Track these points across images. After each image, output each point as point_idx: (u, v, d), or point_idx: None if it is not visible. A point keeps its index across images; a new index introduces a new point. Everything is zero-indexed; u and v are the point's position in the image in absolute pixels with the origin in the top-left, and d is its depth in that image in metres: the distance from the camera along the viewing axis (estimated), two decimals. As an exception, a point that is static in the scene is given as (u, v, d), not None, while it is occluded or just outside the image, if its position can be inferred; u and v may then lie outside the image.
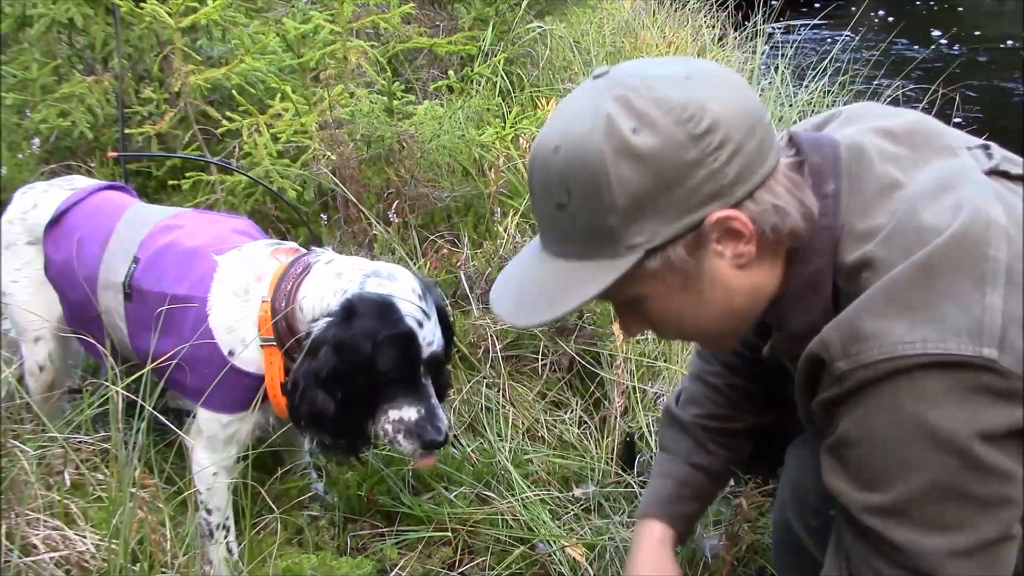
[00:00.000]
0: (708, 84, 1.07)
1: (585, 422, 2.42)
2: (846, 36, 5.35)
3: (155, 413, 1.65)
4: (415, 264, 2.70)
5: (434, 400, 1.66)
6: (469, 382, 2.43)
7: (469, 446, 2.27)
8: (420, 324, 1.62)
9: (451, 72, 3.58)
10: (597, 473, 2.23)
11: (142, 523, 1.64)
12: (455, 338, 2.32)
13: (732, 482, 1.80)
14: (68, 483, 1.74)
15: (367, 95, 3.11)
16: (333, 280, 1.69)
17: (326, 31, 3.03)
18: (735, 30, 5.81)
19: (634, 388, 2.40)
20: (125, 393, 1.63)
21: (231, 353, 1.73)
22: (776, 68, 4.73)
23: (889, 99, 4.71)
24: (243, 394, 1.74)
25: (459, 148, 3.06)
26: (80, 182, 2.17)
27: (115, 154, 2.70)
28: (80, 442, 1.81)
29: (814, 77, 4.75)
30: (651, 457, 2.23)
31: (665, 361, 2.51)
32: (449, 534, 2.04)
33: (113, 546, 1.55)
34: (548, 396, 2.49)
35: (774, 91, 4.57)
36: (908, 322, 1.01)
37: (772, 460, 1.60)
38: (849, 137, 1.19)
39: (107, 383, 1.66)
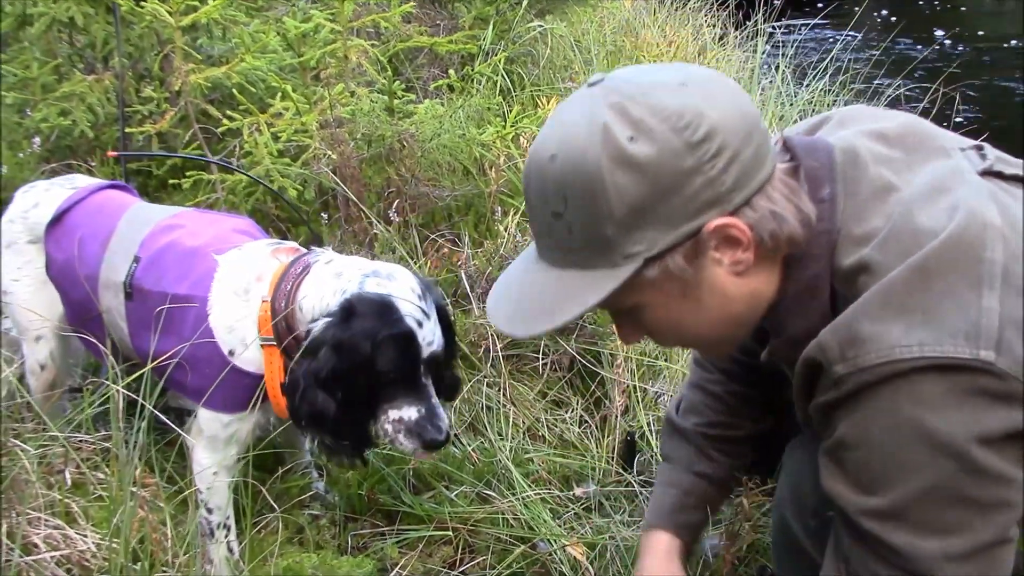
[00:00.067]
0: (704, 90, 1.07)
1: (586, 421, 2.42)
2: (847, 35, 5.35)
3: (156, 412, 1.66)
4: (416, 263, 2.70)
5: (434, 400, 1.66)
6: (470, 381, 2.43)
7: (470, 445, 2.27)
8: (420, 324, 1.62)
9: (452, 71, 3.58)
10: (598, 472, 2.24)
11: (143, 522, 1.64)
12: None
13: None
14: (69, 482, 1.74)
15: (368, 94, 3.11)
16: (332, 280, 1.69)
17: (327, 30, 3.04)
18: (736, 29, 5.81)
19: (635, 387, 2.40)
20: (126, 392, 1.64)
21: (231, 353, 1.73)
22: (777, 67, 4.73)
23: (890, 99, 4.71)
24: (243, 394, 1.74)
25: (460, 147, 3.06)
26: (81, 181, 2.17)
27: (115, 153, 2.70)
28: (81, 441, 1.81)
29: (815, 76, 4.75)
30: (652, 456, 2.24)
31: (666, 360, 2.51)
32: (450, 533, 2.04)
33: (114, 545, 1.55)
34: (549, 395, 2.49)
35: (775, 90, 4.57)
36: (905, 325, 1.01)
37: (771, 462, 1.60)
38: (843, 140, 1.19)
39: (108, 382, 1.66)
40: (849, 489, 1.09)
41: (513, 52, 4.01)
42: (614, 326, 1.31)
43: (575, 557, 1.93)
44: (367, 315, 1.60)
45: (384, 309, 1.61)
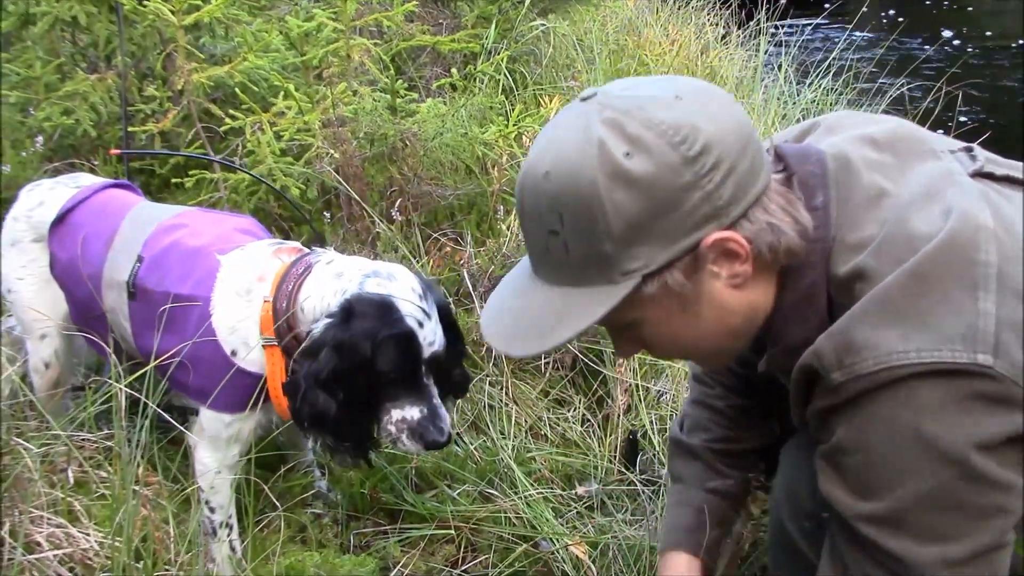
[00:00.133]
0: (698, 104, 1.06)
1: (588, 420, 2.42)
2: (853, 35, 5.33)
3: (159, 411, 1.66)
4: (418, 262, 2.70)
5: (436, 400, 1.66)
6: (472, 380, 2.43)
7: (472, 444, 2.27)
8: (420, 324, 1.62)
9: (454, 70, 3.58)
10: (600, 471, 2.24)
11: (145, 521, 1.64)
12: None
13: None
14: (72, 480, 1.74)
15: (370, 93, 3.11)
16: (333, 280, 1.69)
17: (329, 29, 3.03)
18: (738, 28, 5.80)
19: (637, 386, 2.40)
20: (129, 391, 1.64)
21: (233, 353, 1.73)
22: (779, 66, 4.72)
23: (892, 98, 4.70)
24: (245, 394, 1.75)
25: (462, 146, 3.06)
26: (85, 180, 2.17)
27: (118, 152, 2.70)
28: (84, 439, 1.82)
29: (818, 75, 4.74)
30: (654, 455, 2.24)
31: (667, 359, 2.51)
32: (452, 532, 2.04)
33: (116, 544, 1.56)
34: (551, 394, 2.50)
35: (777, 89, 4.56)
36: (901, 331, 1.01)
37: (770, 463, 1.60)
38: (834, 147, 1.18)
39: (111, 381, 1.67)
40: (847, 494, 1.09)
41: (515, 51, 4.01)
42: (611, 340, 1.30)
43: (577, 556, 1.94)
44: (367, 315, 1.60)
45: (384, 309, 1.61)
